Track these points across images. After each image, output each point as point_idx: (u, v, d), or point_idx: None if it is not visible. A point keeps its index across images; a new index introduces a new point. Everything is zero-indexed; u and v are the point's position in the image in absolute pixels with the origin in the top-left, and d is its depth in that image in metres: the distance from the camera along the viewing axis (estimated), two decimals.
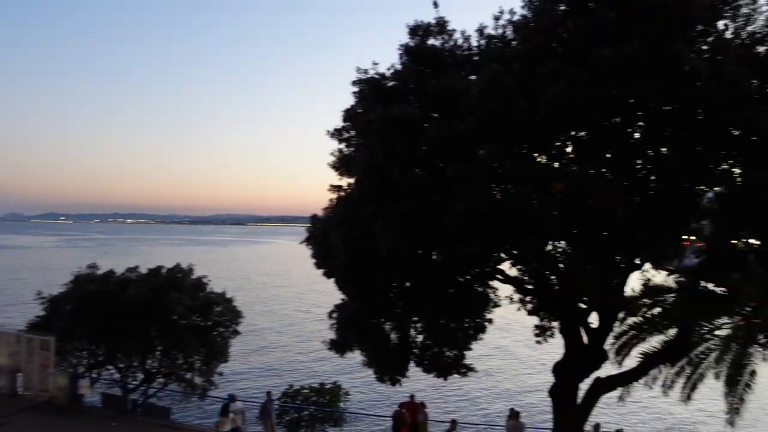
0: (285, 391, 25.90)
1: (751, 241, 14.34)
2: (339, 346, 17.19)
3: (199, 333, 24.55)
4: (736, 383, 17.13)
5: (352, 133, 16.42)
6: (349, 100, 16.45)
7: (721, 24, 12.28)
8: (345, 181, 16.53)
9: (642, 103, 11.41)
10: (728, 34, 12.29)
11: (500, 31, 14.95)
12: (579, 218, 11.97)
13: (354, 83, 16.05)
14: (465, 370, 16.30)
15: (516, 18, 14.36)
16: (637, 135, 12.60)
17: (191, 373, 24.72)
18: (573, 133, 12.78)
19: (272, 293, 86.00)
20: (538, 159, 13.44)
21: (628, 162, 12.45)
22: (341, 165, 16.25)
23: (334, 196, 16.54)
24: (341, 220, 15.10)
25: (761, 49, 12.63)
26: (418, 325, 16.56)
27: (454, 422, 21.99)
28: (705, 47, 11.98)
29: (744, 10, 12.48)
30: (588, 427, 19.07)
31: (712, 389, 20.28)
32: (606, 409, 31.76)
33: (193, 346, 24.23)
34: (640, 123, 12.35)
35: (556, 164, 13.23)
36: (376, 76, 15.98)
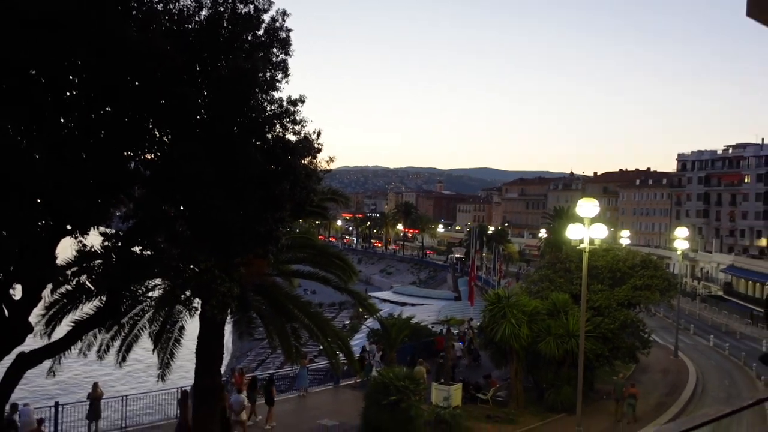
0: None
1: (177, 206, 15.55)
2: None
3: None
4: (168, 340, 18.40)
5: None
6: None
7: None
8: None
9: (70, 61, 10.91)
10: (159, 7, 12.83)
11: None
12: None
13: None
14: None
15: None
16: (68, 93, 12.03)
17: None
18: None
19: None
20: None
21: (53, 119, 11.78)
22: None
23: None
24: None
25: (191, 26, 13.63)
26: None
27: None
28: (137, 16, 12.18)
29: None
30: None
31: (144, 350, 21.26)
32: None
33: None
34: (72, 80, 11.82)
35: None
36: None
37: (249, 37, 14.08)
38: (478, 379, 30.66)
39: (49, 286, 15.60)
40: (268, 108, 13.74)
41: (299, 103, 14.04)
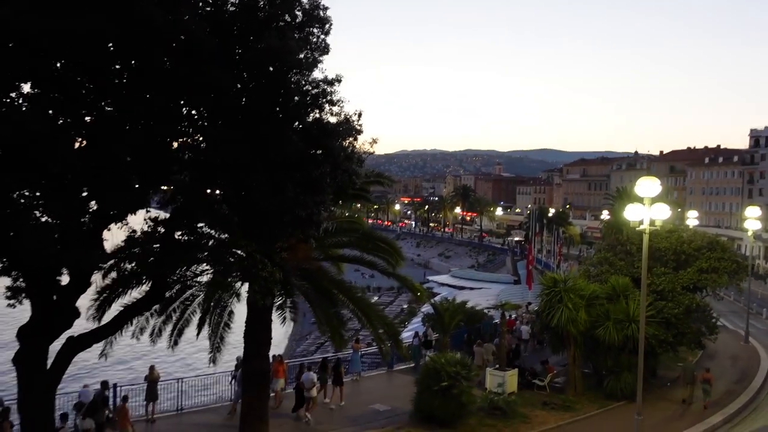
0: None
1: (219, 191, 15.51)
2: None
3: None
4: (218, 324, 18.52)
5: None
6: None
7: None
8: None
9: (98, 42, 10.83)
10: None
11: None
12: (25, 160, 10.80)
13: None
14: None
15: None
16: (99, 78, 11.99)
17: None
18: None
19: None
20: None
21: (88, 105, 11.80)
22: None
23: None
24: None
25: (226, 8, 13.41)
26: None
27: None
28: None
29: None
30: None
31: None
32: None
33: None
34: (102, 64, 11.77)
35: None
36: None
37: (287, 18, 13.78)
38: (535, 364, 29.91)
39: (100, 272, 15.87)
40: (305, 89, 13.42)
41: (336, 83, 13.69)
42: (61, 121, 11.74)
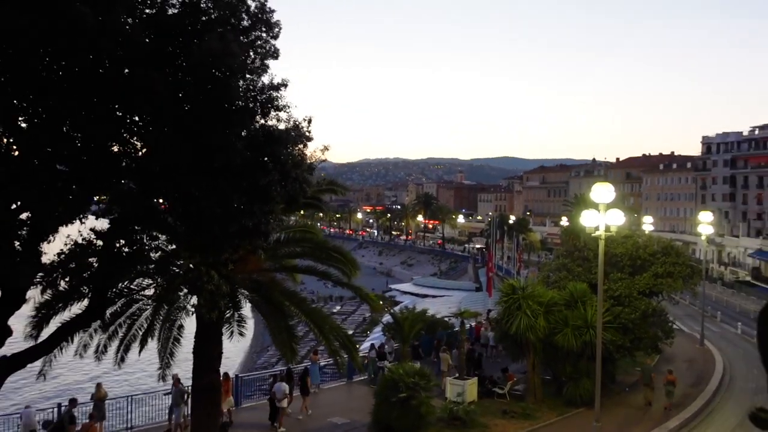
0: None
1: (163, 200, 14.86)
2: None
3: None
4: (167, 339, 17.80)
5: None
6: None
7: None
8: None
9: (19, 44, 10.17)
10: None
11: None
12: None
13: None
14: None
15: None
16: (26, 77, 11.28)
17: None
18: None
19: None
20: None
21: (17, 106, 11.09)
22: None
23: None
24: None
25: (166, 11, 12.85)
26: None
27: None
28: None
29: None
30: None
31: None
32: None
33: None
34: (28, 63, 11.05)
35: None
36: None
37: (232, 21, 13.29)
38: (496, 372, 29.75)
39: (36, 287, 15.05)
40: (250, 94, 12.93)
41: (282, 88, 13.24)
42: None
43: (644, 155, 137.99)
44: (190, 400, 20.00)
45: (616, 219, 21.36)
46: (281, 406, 22.80)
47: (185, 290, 15.95)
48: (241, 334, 15.78)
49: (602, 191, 20.79)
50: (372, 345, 33.14)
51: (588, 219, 21.47)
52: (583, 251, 31.60)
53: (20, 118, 11.99)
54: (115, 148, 13.16)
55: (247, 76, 12.85)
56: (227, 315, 15.46)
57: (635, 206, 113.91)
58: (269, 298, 16.44)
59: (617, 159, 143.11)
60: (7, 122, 11.67)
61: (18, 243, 13.01)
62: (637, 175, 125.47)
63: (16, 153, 11.97)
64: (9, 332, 13.64)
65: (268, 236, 14.66)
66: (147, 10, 12.15)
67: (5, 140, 12.17)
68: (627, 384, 29.48)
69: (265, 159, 12.99)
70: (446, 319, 41.04)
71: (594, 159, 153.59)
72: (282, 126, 13.74)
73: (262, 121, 13.45)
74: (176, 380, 21.52)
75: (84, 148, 12.14)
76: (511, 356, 29.93)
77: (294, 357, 17.07)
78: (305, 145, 14.15)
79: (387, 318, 42.84)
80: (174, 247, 15.55)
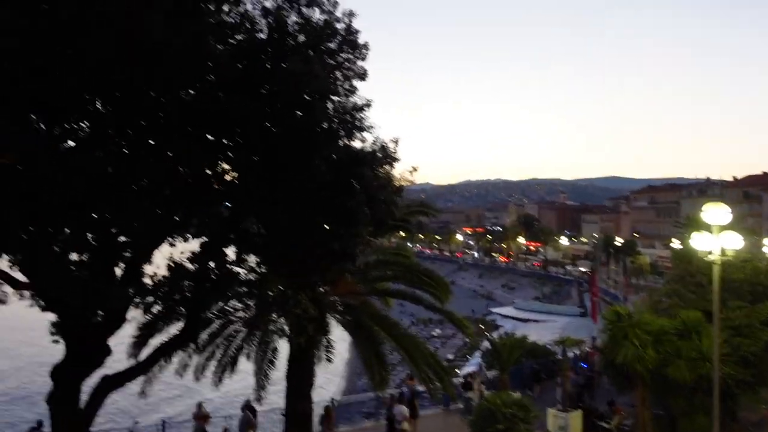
0: None
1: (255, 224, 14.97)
2: None
3: None
4: (261, 361, 17.96)
5: None
6: None
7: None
8: None
9: (111, 71, 10.47)
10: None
11: None
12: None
13: None
14: None
15: None
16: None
17: None
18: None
19: None
20: None
21: (113, 135, 11.49)
22: None
23: None
24: None
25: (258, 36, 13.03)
26: None
27: None
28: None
29: None
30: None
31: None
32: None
33: None
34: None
35: None
36: None
37: (319, 44, 13.30)
38: (601, 405, 28.00)
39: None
40: (336, 115, 12.83)
41: (365, 109, 13.06)
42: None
43: (765, 173, 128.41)
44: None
45: (734, 242, 19.59)
46: (402, 428, 22.46)
47: (276, 314, 16.00)
48: (329, 360, 15.57)
49: (715, 212, 19.15)
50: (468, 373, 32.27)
51: (700, 242, 19.82)
52: (696, 276, 29.36)
53: (122, 143, 12.46)
54: (208, 171, 13.41)
55: (334, 98, 12.77)
56: (317, 339, 15.31)
57: (755, 227, 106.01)
58: (359, 321, 16.18)
59: (734, 177, 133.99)
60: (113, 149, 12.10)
61: (119, 265, 13.48)
62: (756, 194, 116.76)
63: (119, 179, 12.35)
64: (108, 352, 14.09)
65: (355, 259, 14.43)
66: (237, 36, 12.33)
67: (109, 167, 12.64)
68: (751, 422, 26.90)
69: (351, 181, 12.81)
70: (548, 346, 39.39)
71: (708, 178, 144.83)
72: (367, 147, 13.57)
73: (347, 142, 13.31)
74: (246, 405, 21.56)
75: (186, 174, 12.44)
76: (616, 388, 28.08)
77: (384, 386, 16.63)
78: (392, 166, 13.89)
79: (486, 343, 41.75)
80: (264, 270, 15.64)
